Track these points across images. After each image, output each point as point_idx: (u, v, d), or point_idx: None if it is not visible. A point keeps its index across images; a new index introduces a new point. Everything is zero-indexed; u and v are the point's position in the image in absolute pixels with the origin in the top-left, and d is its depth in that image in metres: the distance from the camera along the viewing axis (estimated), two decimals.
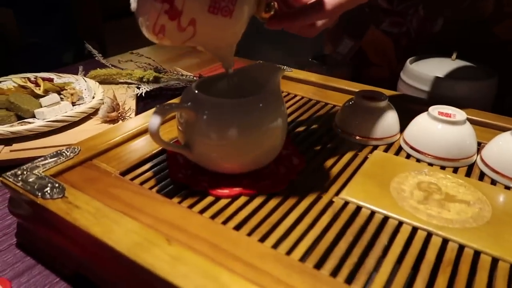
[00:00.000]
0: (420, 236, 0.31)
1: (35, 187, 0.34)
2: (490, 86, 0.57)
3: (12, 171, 0.36)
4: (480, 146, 0.44)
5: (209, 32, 0.32)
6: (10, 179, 0.35)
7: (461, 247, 0.31)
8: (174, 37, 0.31)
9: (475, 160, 0.42)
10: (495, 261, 0.29)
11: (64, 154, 0.39)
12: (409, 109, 0.50)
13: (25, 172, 0.36)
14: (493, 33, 0.62)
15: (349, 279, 0.27)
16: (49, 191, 0.33)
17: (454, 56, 0.60)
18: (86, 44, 0.76)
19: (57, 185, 0.34)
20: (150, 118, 0.33)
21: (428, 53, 0.64)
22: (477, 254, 0.30)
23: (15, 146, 0.49)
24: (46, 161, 0.38)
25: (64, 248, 0.34)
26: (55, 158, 0.38)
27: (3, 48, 1.56)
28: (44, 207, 0.32)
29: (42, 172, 0.36)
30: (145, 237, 0.29)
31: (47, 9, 1.89)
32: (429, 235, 0.32)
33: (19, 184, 0.34)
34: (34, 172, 0.36)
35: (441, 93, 0.56)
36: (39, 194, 0.33)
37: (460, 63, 0.60)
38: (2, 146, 0.49)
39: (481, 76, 0.57)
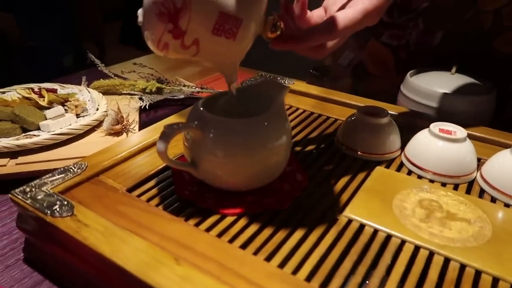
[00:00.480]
0: (422, 255, 0.32)
1: (44, 204, 0.34)
2: (489, 101, 0.58)
3: (21, 188, 0.36)
4: (480, 162, 0.45)
5: (212, 52, 0.32)
6: (19, 196, 0.35)
7: (463, 267, 0.31)
8: (177, 53, 0.32)
9: (475, 177, 0.43)
10: (495, 281, 0.30)
11: (71, 170, 0.39)
12: (409, 124, 0.51)
13: (33, 189, 0.36)
14: (492, 46, 0.63)
15: None
16: (58, 209, 0.34)
17: (453, 70, 0.61)
18: (89, 54, 0.76)
19: (65, 202, 0.35)
20: (158, 139, 0.33)
21: (427, 66, 0.65)
22: (478, 273, 0.31)
23: (21, 159, 0.49)
24: (54, 178, 0.38)
25: (73, 265, 0.34)
26: (63, 175, 0.39)
27: (5, 52, 1.56)
28: (54, 225, 0.33)
29: (51, 189, 0.37)
30: (153, 256, 0.29)
31: (48, 11, 1.89)
32: (431, 254, 0.32)
33: (28, 201, 0.35)
34: (42, 189, 0.36)
35: (440, 107, 0.57)
36: (48, 212, 0.33)
37: (460, 77, 0.61)
38: (8, 159, 0.49)
39: (480, 91, 0.58)
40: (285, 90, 0.40)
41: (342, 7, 0.37)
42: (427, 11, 0.66)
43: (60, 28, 1.98)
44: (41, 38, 1.82)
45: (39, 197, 0.35)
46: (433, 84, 0.59)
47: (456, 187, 0.41)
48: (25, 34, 1.64)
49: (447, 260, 0.32)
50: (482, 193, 0.41)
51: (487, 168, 0.42)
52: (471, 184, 0.42)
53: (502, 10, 0.60)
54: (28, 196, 0.35)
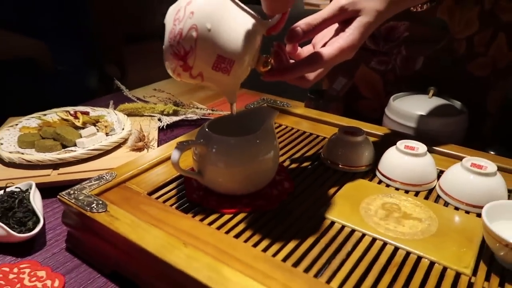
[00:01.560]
0: (377, 245, 0.41)
1: (84, 203, 0.45)
2: (461, 121, 0.66)
3: (66, 191, 0.47)
4: (442, 173, 0.53)
5: (213, 81, 0.41)
6: (65, 197, 0.46)
7: (408, 254, 0.40)
8: (187, 80, 0.41)
9: (435, 186, 0.51)
10: (432, 264, 0.38)
11: (104, 177, 0.50)
12: (385, 141, 0.60)
13: (76, 192, 0.47)
14: (466, 70, 0.71)
15: (317, 275, 0.37)
16: (95, 207, 0.44)
17: (430, 94, 0.70)
18: (116, 81, 0.88)
19: (100, 202, 0.45)
20: (172, 153, 0.43)
21: (412, 88, 0.74)
22: (419, 259, 0.39)
23: (61, 170, 0.60)
24: (91, 183, 0.48)
25: (105, 251, 0.44)
26: (98, 181, 0.49)
27: (37, 76, 1.71)
28: (92, 219, 0.43)
29: (89, 192, 0.47)
30: (168, 241, 0.39)
31: (74, 37, 2.06)
32: (384, 244, 0.41)
33: (72, 201, 0.45)
34: (82, 191, 0.47)
35: (418, 127, 0.66)
36: (88, 208, 0.44)
37: (436, 100, 0.69)
38: (51, 170, 0.60)
39: (453, 113, 0.67)
40: (274, 114, 0.49)
41: (324, 45, 0.45)
42: (408, 40, 0.75)
43: (85, 53, 2.14)
44: (68, 63, 1.98)
45: (80, 197, 0.46)
46: (412, 107, 0.68)
47: (417, 194, 0.50)
48: (55, 60, 1.79)
49: (396, 249, 0.40)
50: (438, 199, 0.49)
51: (443, 178, 0.50)
52: (431, 191, 0.50)
53: (473, 38, 0.68)
54: (72, 197, 0.46)
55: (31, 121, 0.73)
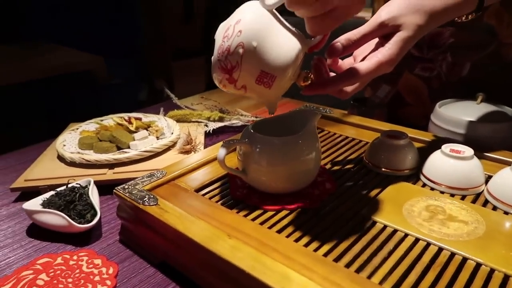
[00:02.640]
0: (420, 245, 0.41)
1: (138, 197, 0.48)
2: (511, 127, 0.64)
3: (121, 186, 0.51)
4: (490, 178, 0.52)
5: (255, 93, 0.44)
6: (121, 191, 0.49)
7: (452, 254, 0.39)
8: (232, 91, 0.44)
9: (483, 190, 0.50)
10: (478, 266, 0.38)
11: (155, 175, 0.53)
12: (431, 146, 0.59)
13: (130, 187, 0.50)
14: None
15: (358, 270, 0.37)
16: (147, 200, 0.47)
17: (479, 100, 0.68)
18: (166, 89, 0.93)
19: (152, 196, 0.48)
20: (219, 150, 0.46)
21: (458, 94, 0.73)
22: (464, 260, 0.38)
23: (116, 169, 0.65)
24: (144, 180, 0.52)
25: (155, 242, 0.47)
26: (150, 178, 0.52)
27: (94, 88, 1.84)
28: (144, 211, 0.46)
29: (142, 187, 0.50)
30: (213, 233, 0.41)
31: (128, 52, 2.20)
32: (428, 244, 0.41)
33: (127, 195, 0.49)
34: (136, 187, 0.50)
35: (466, 133, 0.64)
36: (141, 202, 0.47)
37: (484, 106, 0.68)
38: (107, 169, 0.65)
39: (503, 118, 0.65)
40: (317, 116, 0.51)
41: (363, 58, 0.46)
42: (453, 46, 0.74)
43: (137, 68, 2.29)
44: (121, 76, 2.12)
45: (134, 192, 0.49)
46: (460, 113, 0.66)
47: (463, 198, 0.49)
48: (110, 73, 1.93)
49: (440, 249, 0.40)
50: (486, 203, 0.48)
51: (491, 182, 0.49)
52: (478, 196, 0.49)
53: None
54: (127, 191, 0.49)
55: (90, 126, 0.79)
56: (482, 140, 0.62)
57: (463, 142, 0.61)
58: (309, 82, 0.44)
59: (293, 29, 0.41)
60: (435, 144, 0.60)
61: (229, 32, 0.39)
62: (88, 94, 1.84)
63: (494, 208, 0.47)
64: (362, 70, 0.42)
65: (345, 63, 0.50)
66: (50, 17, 1.97)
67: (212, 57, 0.41)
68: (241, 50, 0.38)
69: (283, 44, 0.40)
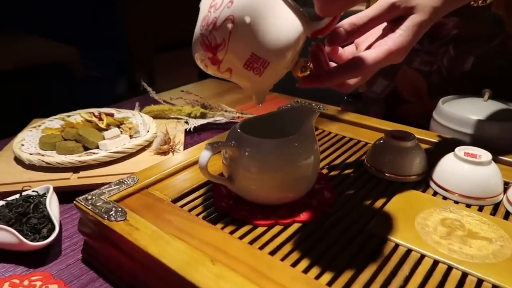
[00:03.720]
0: (440, 269, 0.34)
1: (102, 210, 0.40)
2: None
3: (83, 196, 0.43)
4: (508, 186, 0.46)
5: (242, 79, 0.36)
6: (82, 203, 0.41)
7: (480, 281, 0.33)
8: (214, 73, 0.36)
9: (502, 199, 0.44)
10: None
11: (125, 182, 0.45)
12: (438, 147, 0.53)
13: (93, 197, 0.42)
14: None
15: None
16: (113, 214, 0.39)
17: (486, 96, 0.62)
18: (142, 82, 0.85)
19: (120, 209, 0.40)
20: (201, 154, 0.38)
21: (460, 90, 0.67)
22: None
23: (82, 173, 0.56)
24: (111, 188, 0.44)
25: (124, 264, 0.39)
26: (118, 186, 0.44)
27: (69, 81, 1.73)
28: (110, 227, 0.38)
29: (108, 198, 0.42)
30: (193, 256, 0.34)
31: (106, 44, 2.09)
32: (450, 268, 0.34)
33: (89, 207, 0.41)
34: (101, 197, 0.42)
35: (472, 133, 0.58)
36: (106, 216, 0.39)
37: (492, 103, 0.62)
38: (71, 173, 0.57)
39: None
40: (314, 114, 0.44)
41: (369, 46, 0.39)
42: (457, 38, 0.68)
43: (115, 60, 2.17)
44: (100, 68, 2.00)
45: (98, 204, 0.41)
46: (466, 111, 0.61)
47: (481, 208, 0.43)
48: (86, 66, 1.81)
49: (464, 275, 0.33)
50: (507, 215, 0.42)
51: None
52: (497, 206, 0.43)
53: None
54: (89, 203, 0.41)
55: (54, 122, 0.70)
56: (491, 141, 0.56)
57: (470, 142, 0.56)
58: (308, 73, 0.37)
59: (297, 7, 0.34)
60: (443, 146, 0.54)
61: (217, 1, 0.31)
62: (60, 89, 1.72)
63: None
64: (369, 60, 0.36)
65: (346, 52, 0.44)
66: (19, 4, 1.84)
67: (195, 29, 0.33)
68: (230, 25, 0.31)
69: (282, 24, 0.32)
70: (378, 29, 0.40)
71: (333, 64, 0.41)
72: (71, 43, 1.74)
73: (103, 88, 2.01)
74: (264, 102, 0.39)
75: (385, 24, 0.39)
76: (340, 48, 0.43)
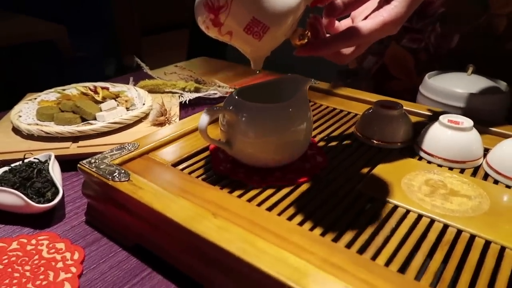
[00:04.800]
0: (424, 222, 0.37)
1: (106, 172, 0.42)
2: (504, 100, 0.62)
3: (87, 160, 0.44)
4: (487, 151, 0.49)
5: (241, 43, 0.38)
6: (86, 166, 0.43)
7: (459, 232, 0.36)
8: (214, 35, 0.38)
9: (481, 163, 0.47)
10: (487, 243, 0.35)
11: (126, 148, 0.47)
12: (424, 118, 0.56)
13: (97, 161, 0.44)
14: (505, 48, 0.66)
15: (361, 250, 0.33)
16: (117, 175, 0.41)
17: (469, 71, 0.65)
18: (136, 58, 0.85)
19: (123, 171, 0.42)
20: (200, 118, 0.40)
21: (446, 67, 0.70)
22: (472, 237, 0.35)
23: (81, 143, 0.58)
24: (113, 153, 0.46)
25: (128, 223, 0.41)
26: (120, 151, 0.46)
27: (57, 61, 1.71)
28: (115, 187, 0.40)
29: (110, 161, 0.44)
30: (196, 211, 0.36)
31: (95, 25, 2.06)
32: (432, 221, 0.37)
33: (94, 169, 0.42)
34: (104, 161, 0.44)
35: (457, 105, 0.61)
36: (110, 177, 0.41)
37: (475, 78, 0.65)
38: (70, 142, 0.58)
39: (495, 90, 0.62)
40: (307, 82, 0.46)
41: (365, 18, 0.40)
42: (443, 16, 0.70)
43: (104, 41, 2.15)
44: (87, 49, 1.98)
45: (101, 166, 0.43)
46: (450, 84, 0.63)
47: (462, 171, 0.46)
48: (74, 45, 1.79)
49: (445, 227, 0.36)
50: (486, 177, 0.45)
51: (491, 155, 0.46)
52: (477, 169, 0.46)
53: None
54: (93, 166, 0.43)
55: (50, 95, 0.71)
56: (474, 113, 0.59)
57: (454, 114, 0.58)
58: (305, 41, 0.39)
59: None
60: (428, 116, 0.57)
61: None
62: (50, 67, 1.70)
63: (495, 181, 0.44)
64: (364, 30, 0.37)
65: (342, 24, 0.45)
66: None
67: None
68: None
69: None
70: (374, 2, 0.42)
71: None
72: (59, 22, 1.71)
73: (92, 68, 1.99)
74: (260, 68, 0.41)
75: None
76: (336, 22, 0.45)
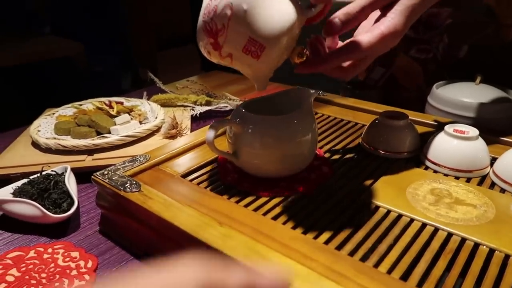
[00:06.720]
0: (428, 230, 0.37)
1: (118, 183, 0.44)
2: (510, 108, 0.62)
3: (100, 172, 0.46)
4: (494, 160, 0.49)
5: (242, 65, 0.39)
6: (100, 178, 0.45)
7: (463, 240, 0.36)
8: (217, 59, 0.39)
9: (488, 172, 0.47)
10: (491, 252, 0.35)
11: (138, 160, 0.49)
12: (431, 127, 0.56)
13: (110, 173, 0.46)
14: None
15: (364, 259, 0.34)
16: (129, 186, 0.43)
17: (478, 80, 0.65)
18: (149, 73, 0.88)
19: (134, 182, 0.44)
20: (207, 130, 0.42)
21: (455, 77, 0.70)
22: (476, 246, 0.35)
23: (96, 156, 0.60)
24: (125, 165, 0.48)
25: (139, 232, 0.43)
26: (132, 163, 0.48)
27: (75, 76, 1.77)
28: (126, 198, 0.42)
29: (123, 173, 0.46)
30: (202, 220, 0.37)
31: (111, 41, 2.13)
32: (436, 230, 0.37)
33: (107, 181, 0.44)
34: (116, 172, 0.46)
35: (465, 115, 0.62)
36: (122, 188, 0.43)
37: (483, 87, 0.65)
38: (86, 155, 0.60)
39: (503, 99, 0.62)
40: (312, 95, 0.47)
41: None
42: (451, 27, 0.71)
43: (120, 56, 2.21)
44: (104, 64, 2.04)
45: (114, 178, 0.45)
46: (458, 94, 0.64)
47: (468, 180, 0.46)
48: (92, 61, 1.85)
49: (449, 235, 0.37)
50: (493, 186, 0.45)
51: (498, 164, 0.46)
52: (483, 179, 0.46)
53: None
54: (106, 177, 0.45)
55: (67, 111, 0.74)
56: (482, 122, 0.59)
57: (461, 123, 0.59)
58: (304, 59, 0.40)
59: None
60: (435, 126, 0.57)
61: None
62: (68, 82, 1.76)
63: (502, 190, 0.44)
64: (363, 43, 0.38)
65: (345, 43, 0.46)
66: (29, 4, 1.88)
67: (198, 19, 0.37)
68: (229, 12, 0.34)
69: (277, 11, 0.35)
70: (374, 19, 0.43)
71: None
72: (76, 38, 1.78)
73: (108, 82, 2.05)
74: (265, 89, 0.42)
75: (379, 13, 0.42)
76: (339, 42, 0.46)
